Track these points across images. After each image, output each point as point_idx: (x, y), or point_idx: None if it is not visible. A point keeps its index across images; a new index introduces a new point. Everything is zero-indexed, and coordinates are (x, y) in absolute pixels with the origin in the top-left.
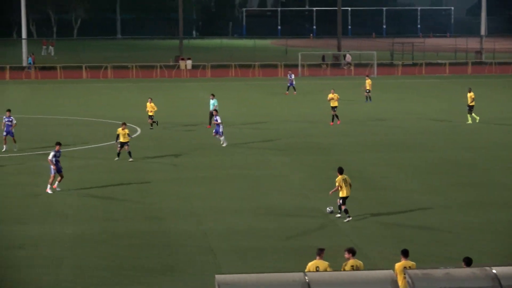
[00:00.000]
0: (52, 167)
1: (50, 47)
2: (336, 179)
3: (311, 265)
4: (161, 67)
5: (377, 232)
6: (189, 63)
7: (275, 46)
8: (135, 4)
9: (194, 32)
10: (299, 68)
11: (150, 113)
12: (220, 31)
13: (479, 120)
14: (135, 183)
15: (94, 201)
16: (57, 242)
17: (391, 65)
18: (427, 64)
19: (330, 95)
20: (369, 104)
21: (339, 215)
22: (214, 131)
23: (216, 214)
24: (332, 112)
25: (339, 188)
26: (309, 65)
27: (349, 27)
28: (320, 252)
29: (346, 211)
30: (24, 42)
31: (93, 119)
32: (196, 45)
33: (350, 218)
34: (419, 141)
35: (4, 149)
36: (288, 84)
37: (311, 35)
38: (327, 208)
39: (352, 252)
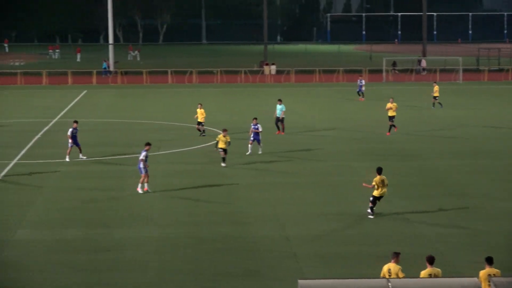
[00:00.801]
0: (143, 166)
1: (136, 52)
2: (374, 179)
3: (384, 267)
4: (245, 72)
5: (462, 240)
6: (273, 68)
7: (359, 52)
8: (220, 10)
9: (278, 38)
10: (383, 74)
11: (199, 120)
12: (304, 36)
13: None
14: (220, 187)
15: (179, 204)
16: (142, 245)
17: (477, 70)
18: None
19: (389, 104)
20: (446, 110)
21: (371, 216)
22: (252, 138)
23: (299, 220)
24: (390, 123)
25: (375, 187)
26: (411, 70)
27: (434, 32)
28: (395, 256)
29: (372, 209)
30: (110, 48)
31: (178, 123)
32: (281, 50)
33: (373, 216)
34: (501, 148)
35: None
36: (357, 90)
37: (396, 40)
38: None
39: (429, 260)
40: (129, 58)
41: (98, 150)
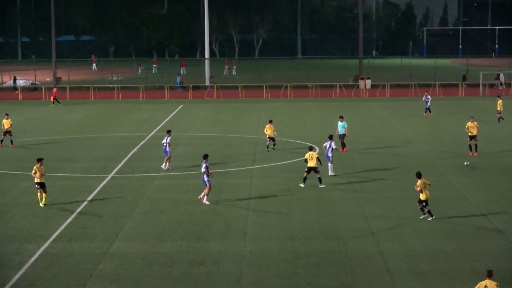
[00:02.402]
0: (207, 179)
1: (233, 66)
2: (417, 184)
3: (480, 284)
4: (340, 86)
5: None
6: (368, 82)
7: (456, 65)
8: (315, 25)
9: (374, 52)
10: (480, 88)
11: (269, 135)
12: (400, 50)
13: None
14: (313, 201)
15: (273, 218)
16: (236, 259)
17: None
18: None
19: (469, 123)
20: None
21: (423, 216)
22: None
23: (394, 235)
24: (470, 142)
25: (420, 192)
26: (491, 85)
27: None
28: (490, 274)
29: (429, 212)
30: (207, 62)
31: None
32: (376, 64)
33: (434, 217)
34: None
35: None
36: (426, 107)
37: (493, 54)
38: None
39: (488, 273)
40: (224, 73)
41: (194, 163)
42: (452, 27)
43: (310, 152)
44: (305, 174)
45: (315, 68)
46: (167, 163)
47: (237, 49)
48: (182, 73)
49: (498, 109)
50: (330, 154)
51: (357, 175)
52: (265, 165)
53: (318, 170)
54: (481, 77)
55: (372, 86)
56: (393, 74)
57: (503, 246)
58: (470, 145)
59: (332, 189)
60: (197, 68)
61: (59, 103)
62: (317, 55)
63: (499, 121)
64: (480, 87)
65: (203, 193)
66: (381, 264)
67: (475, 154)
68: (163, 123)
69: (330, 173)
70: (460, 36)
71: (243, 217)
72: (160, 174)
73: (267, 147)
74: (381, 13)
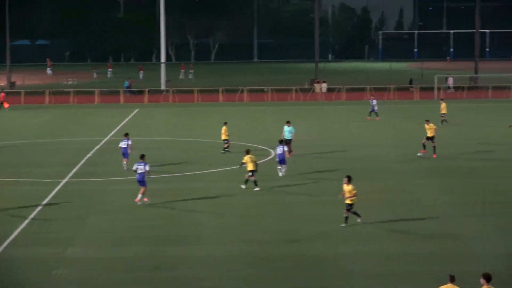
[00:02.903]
0: (146, 179)
1: (190, 70)
2: (344, 189)
3: None
4: (296, 90)
5: None
6: (324, 86)
7: (411, 69)
8: (272, 29)
9: (330, 56)
10: (435, 91)
11: (224, 137)
12: (356, 54)
13: None
14: (271, 205)
15: (230, 222)
16: (195, 263)
17: None
18: None
19: (426, 126)
20: (499, 128)
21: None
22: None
23: (352, 238)
24: (425, 141)
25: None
26: (446, 88)
27: (487, 49)
28: (452, 279)
29: (356, 213)
30: (162, 66)
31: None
32: (332, 68)
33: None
34: None
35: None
36: (370, 110)
37: (448, 58)
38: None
39: (487, 278)
40: (181, 77)
41: (151, 168)
42: (407, 31)
43: (248, 155)
44: (246, 176)
45: (271, 72)
46: (126, 163)
47: (193, 53)
48: (140, 77)
49: (443, 112)
50: (281, 158)
51: (314, 178)
52: (222, 169)
53: (252, 175)
54: (436, 80)
55: (328, 89)
56: (349, 78)
57: (459, 250)
58: (424, 144)
59: (289, 192)
60: (154, 72)
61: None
62: (274, 59)
63: (442, 123)
64: (435, 91)
65: (140, 195)
66: (339, 267)
67: (434, 156)
68: (119, 127)
69: (281, 174)
70: (416, 40)
71: (200, 221)
72: (116, 178)
73: (224, 149)
74: (337, 17)
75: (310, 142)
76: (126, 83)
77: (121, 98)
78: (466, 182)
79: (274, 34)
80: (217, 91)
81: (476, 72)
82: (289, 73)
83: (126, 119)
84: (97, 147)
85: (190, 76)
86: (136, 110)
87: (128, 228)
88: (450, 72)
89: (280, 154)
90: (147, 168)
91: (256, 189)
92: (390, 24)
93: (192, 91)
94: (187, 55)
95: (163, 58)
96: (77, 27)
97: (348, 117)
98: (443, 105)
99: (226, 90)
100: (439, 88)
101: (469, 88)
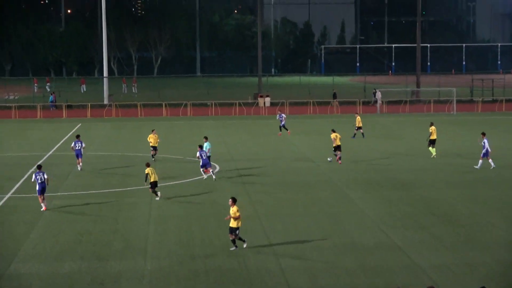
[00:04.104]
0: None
1: (133, 84)
2: (233, 210)
3: None
4: (239, 104)
5: (458, 270)
6: (267, 100)
7: (354, 83)
8: (215, 42)
9: (273, 70)
10: (378, 105)
11: (152, 144)
12: (299, 68)
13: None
14: (213, 218)
15: (172, 236)
16: (137, 278)
17: (471, 101)
18: (507, 101)
19: (333, 135)
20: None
21: (233, 248)
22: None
23: (294, 250)
24: (335, 152)
25: (236, 219)
26: (388, 102)
27: (428, 63)
28: None
29: (241, 238)
30: (105, 81)
31: (174, 156)
32: (275, 82)
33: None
34: (502, 178)
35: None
36: (280, 125)
37: (390, 71)
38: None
39: None
40: (123, 91)
41: (94, 182)
42: (349, 45)
43: (150, 168)
44: (150, 190)
45: (214, 86)
46: (79, 165)
47: (135, 67)
48: (82, 91)
49: (357, 125)
50: (205, 162)
51: (257, 191)
52: (165, 184)
53: (152, 186)
54: (379, 95)
55: (272, 103)
56: (292, 92)
57: (402, 262)
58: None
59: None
60: (96, 86)
61: None
62: (217, 73)
63: (354, 136)
64: (378, 105)
65: (43, 205)
66: (282, 280)
67: (339, 162)
68: (61, 142)
69: (207, 176)
70: (358, 54)
71: (143, 235)
72: (59, 194)
73: (153, 156)
74: (279, 31)
75: (253, 156)
76: (51, 98)
77: (64, 113)
78: (403, 194)
79: (216, 47)
80: (160, 105)
81: (418, 86)
82: (232, 87)
83: (69, 134)
84: (40, 162)
85: (134, 90)
86: (79, 125)
87: (70, 242)
88: (391, 86)
89: (203, 159)
90: (45, 175)
91: (157, 198)
92: (332, 38)
93: (135, 106)
94: (130, 69)
95: (105, 72)
96: (17, 40)
97: (291, 130)
98: (358, 118)
99: (170, 105)
100: (382, 102)
101: (411, 102)
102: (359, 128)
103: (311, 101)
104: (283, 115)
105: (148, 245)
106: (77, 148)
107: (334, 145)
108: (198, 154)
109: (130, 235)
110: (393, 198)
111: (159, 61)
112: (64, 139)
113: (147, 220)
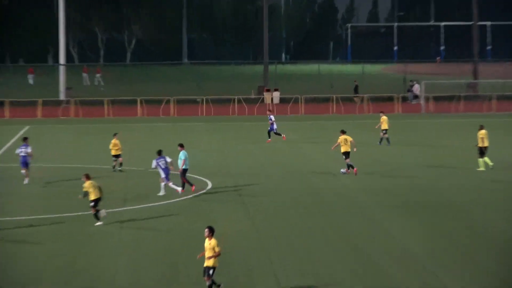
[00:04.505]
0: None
1: (97, 75)
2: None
3: None
4: (239, 101)
5: None
6: (276, 95)
7: (390, 74)
8: (207, 22)
9: (283, 56)
10: (422, 102)
11: (114, 152)
12: (317, 54)
13: None
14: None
15: (148, 274)
16: None
17: None
18: None
19: (341, 138)
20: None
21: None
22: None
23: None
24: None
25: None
26: (437, 99)
27: (489, 47)
28: None
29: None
30: (61, 70)
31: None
32: (287, 72)
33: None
34: None
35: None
36: (269, 129)
37: (438, 58)
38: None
39: None
40: (84, 83)
41: (46, 203)
42: (384, 24)
43: (90, 181)
44: (93, 211)
45: (206, 77)
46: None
47: (102, 52)
48: (30, 82)
49: (382, 127)
50: (163, 175)
51: (262, 215)
52: (140, 206)
53: (95, 205)
54: (423, 88)
55: (282, 100)
56: (309, 85)
57: None
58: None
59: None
60: (49, 77)
61: None
62: (209, 60)
63: (380, 142)
64: (422, 102)
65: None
66: None
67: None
68: (3, 150)
69: (161, 193)
70: (395, 35)
71: (109, 274)
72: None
73: (113, 167)
74: (291, 7)
75: (260, 170)
76: None
77: (7, 112)
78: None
79: (209, 28)
80: (135, 102)
81: (475, 78)
82: (230, 79)
83: (13, 139)
84: None
85: (97, 82)
86: (27, 128)
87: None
88: (439, 77)
89: (163, 170)
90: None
91: (98, 223)
92: (362, 16)
93: (101, 103)
94: (95, 55)
95: (62, 58)
96: None
97: (306, 137)
98: (383, 118)
99: (147, 101)
100: (427, 98)
101: (466, 98)
102: (385, 131)
103: (334, 96)
104: (271, 116)
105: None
106: (21, 154)
107: (342, 151)
108: (153, 164)
109: (94, 273)
110: (440, 225)
111: (133, 44)
112: (6, 146)
113: (116, 254)
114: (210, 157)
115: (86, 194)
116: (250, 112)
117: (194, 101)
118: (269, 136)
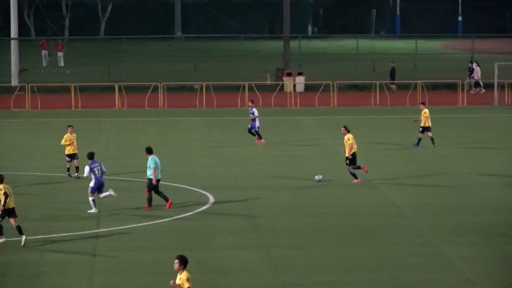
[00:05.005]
0: None
1: (58, 53)
2: None
3: None
4: (251, 88)
5: None
6: (300, 81)
7: (452, 52)
8: None
9: (309, 28)
10: (495, 91)
11: (68, 152)
12: (354, 26)
13: None
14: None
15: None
16: None
17: None
18: None
19: (348, 137)
20: None
21: None
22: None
23: None
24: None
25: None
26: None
27: None
28: None
29: None
30: (13, 46)
31: (131, 179)
32: (314, 50)
33: None
34: None
35: None
36: (249, 127)
37: None
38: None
39: None
40: (44, 65)
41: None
42: None
43: (3, 185)
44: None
45: (206, 56)
46: None
47: (67, 23)
48: None
49: (422, 123)
50: (92, 185)
51: (281, 243)
52: (118, 228)
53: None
54: (496, 72)
55: (307, 87)
56: (344, 67)
57: None
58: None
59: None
60: None
61: None
62: (210, 33)
63: (418, 143)
64: (495, 90)
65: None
66: None
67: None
68: None
69: (92, 209)
70: (460, 3)
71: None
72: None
73: (68, 170)
74: None
75: (270, 180)
76: None
77: None
78: None
79: None
80: (110, 89)
81: None
82: (237, 58)
83: None
84: None
85: (61, 63)
86: None
87: None
88: None
89: (96, 179)
90: None
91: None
92: None
93: (66, 90)
94: (56, 26)
95: (13, 31)
96: None
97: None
98: (425, 111)
99: (126, 88)
100: (502, 86)
101: None
102: (426, 129)
103: (376, 83)
104: (254, 109)
105: None
106: None
107: (351, 152)
108: (86, 170)
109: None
110: None
111: (108, 12)
112: None
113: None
114: (211, 163)
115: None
116: (265, 103)
117: (190, 88)
118: (260, 137)
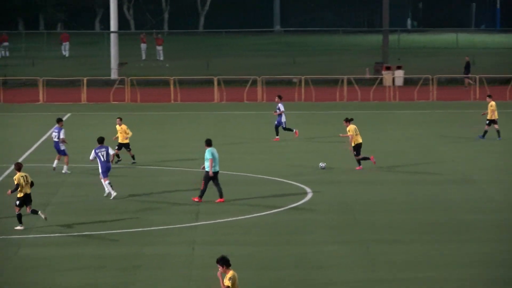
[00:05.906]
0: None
1: (157, 47)
2: None
3: None
4: (349, 82)
5: None
6: (399, 75)
7: None
8: None
9: (409, 22)
10: None
11: (122, 141)
12: (456, 19)
13: None
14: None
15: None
16: None
17: None
18: None
19: (350, 128)
20: None
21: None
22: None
23: None
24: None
25: None
26: None
27: None
28: None
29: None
30: (112, 38)
31: (229, 172)
32: (413, 44)
33: None
34: None
35: None
36: (276, 123)
37: None
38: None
39: None
40: (143, 57)
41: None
42: None
43: (21, 174)
44: (16, 210)
45: (304, 51)
46: (66, 165)
47: (166, 16)
48: (64, 52)
49: (489, 116)
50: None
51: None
52: (215, 221)
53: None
54: None
55: (406, 81)
56: (443, 62)
57: None
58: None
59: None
60: (94, 48)
61: None
62: (307, 26)
63: (483, 136)
64: None
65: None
66: None
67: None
68: (37, 145)
69: (110, 193)
70: None
71: None
72: (31, 236)
73: (118, 157)
74: None
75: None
76: None
77: (42, 95)
78: None
79: None
80: (210, 82)
81: None
82: (336, 53)
83: (47, 134)
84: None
85: (160, 57)
86: (68, 115)
87: None
88: None
89: (102, 163)
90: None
91: (19, 227)
92: None
93: (166, 83)
94: (156, 20)
95: (113, 24)
96: None
97: (441, 132)
98: (491, 103)
99: (225, 82)
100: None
101: None
102: (492, 121)
103: (476, 77)
104: (280, 105)
105: None
106: (54, 140)
107: (353, 144)
108: (92, 155)
109: None
110: None
111: (207, 5)
112: (41, 141)
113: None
114: (308, 157)
115: (17, 188)
116: (364, 98)
117: (290, 82)
118: (277, 133)
